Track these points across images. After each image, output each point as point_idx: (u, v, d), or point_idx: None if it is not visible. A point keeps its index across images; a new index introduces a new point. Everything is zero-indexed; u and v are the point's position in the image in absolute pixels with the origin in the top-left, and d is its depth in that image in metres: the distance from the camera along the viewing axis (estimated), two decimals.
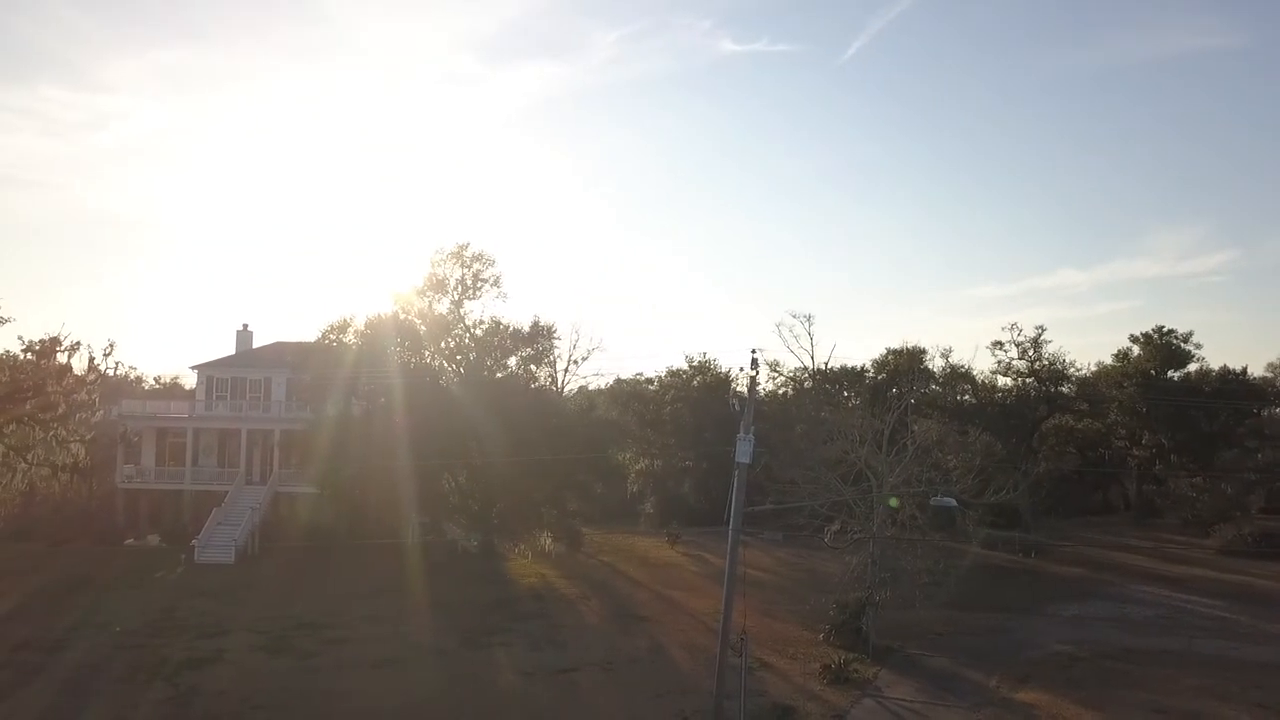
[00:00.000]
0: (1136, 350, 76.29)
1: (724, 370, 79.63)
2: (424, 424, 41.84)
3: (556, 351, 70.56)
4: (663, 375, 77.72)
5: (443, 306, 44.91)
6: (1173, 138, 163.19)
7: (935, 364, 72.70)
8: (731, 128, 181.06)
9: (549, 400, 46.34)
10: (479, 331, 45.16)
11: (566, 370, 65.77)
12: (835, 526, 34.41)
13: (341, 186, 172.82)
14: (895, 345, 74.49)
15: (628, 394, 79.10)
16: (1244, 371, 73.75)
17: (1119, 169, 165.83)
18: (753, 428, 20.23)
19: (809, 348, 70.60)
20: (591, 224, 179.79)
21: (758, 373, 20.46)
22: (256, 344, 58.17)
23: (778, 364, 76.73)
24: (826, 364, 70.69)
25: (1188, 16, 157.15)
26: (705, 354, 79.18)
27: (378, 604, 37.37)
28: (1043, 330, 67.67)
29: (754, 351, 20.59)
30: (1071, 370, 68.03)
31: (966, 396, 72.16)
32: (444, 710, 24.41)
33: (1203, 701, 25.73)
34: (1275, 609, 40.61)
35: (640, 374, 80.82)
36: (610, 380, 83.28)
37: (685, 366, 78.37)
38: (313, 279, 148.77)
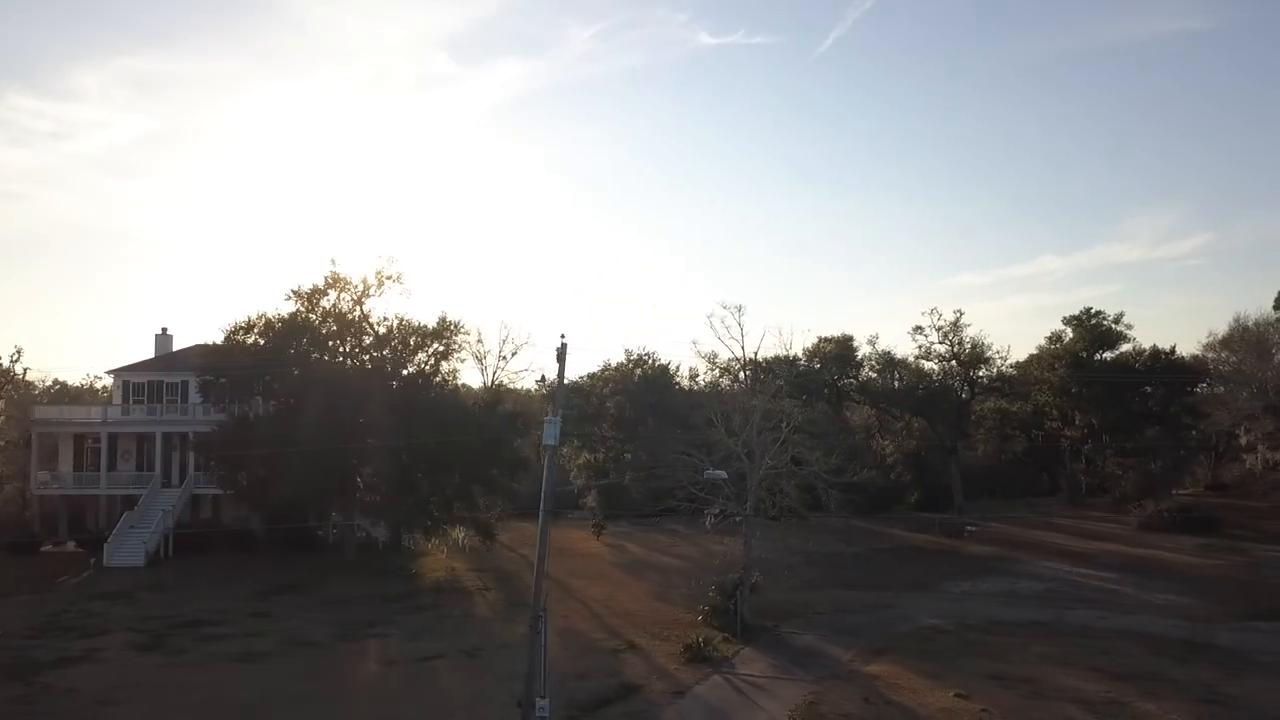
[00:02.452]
0: (1070, 333, 77.28)
1: (666, 363, 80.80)
2: (327, 421, 42.04)
3: (485, 348, 71.63)
4: (599, 370, 78.32)
5: (345, 303, 45.13)
6: (1146, 122, 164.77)
7: (864, 351, 73.42)
8: (709, 121, 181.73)
9: (447, 395, 46.47)
10: (381, 329, 45.43)
11: (497, 367, 66.17)
12: (715, 510, 34.84)
13: (316, 190, 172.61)
14: (829, 334, 75.26)
15: (570, 389, 79.54)
16: (1173, 350, 74.74)
17: (1095, 154, 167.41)
18: (561, 411, 20.56)
19: (739, 338, 70.90)
20: (568, 221, 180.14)
21: (564, 360, 20.75)
22: (184, 347, 58.17)
23: (714, 355, 77.14)
24: (756, 354, 71.14)
25: (1159, 0, 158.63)
26: (643, 347, 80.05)
27: (274, 601, 37.61)
28: (961, 314, 68.45)
29: (562, 336, 20.88)
30: (993, 354, 68.65)
31: (899, 381, 72.95)
32: (290, 698, 24.69)
33: (1042, 668, 26.34)
34: (1164, 580, 41.46)
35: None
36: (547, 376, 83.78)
37: (625, 360, 79.45)
38: (286, 284, 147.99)
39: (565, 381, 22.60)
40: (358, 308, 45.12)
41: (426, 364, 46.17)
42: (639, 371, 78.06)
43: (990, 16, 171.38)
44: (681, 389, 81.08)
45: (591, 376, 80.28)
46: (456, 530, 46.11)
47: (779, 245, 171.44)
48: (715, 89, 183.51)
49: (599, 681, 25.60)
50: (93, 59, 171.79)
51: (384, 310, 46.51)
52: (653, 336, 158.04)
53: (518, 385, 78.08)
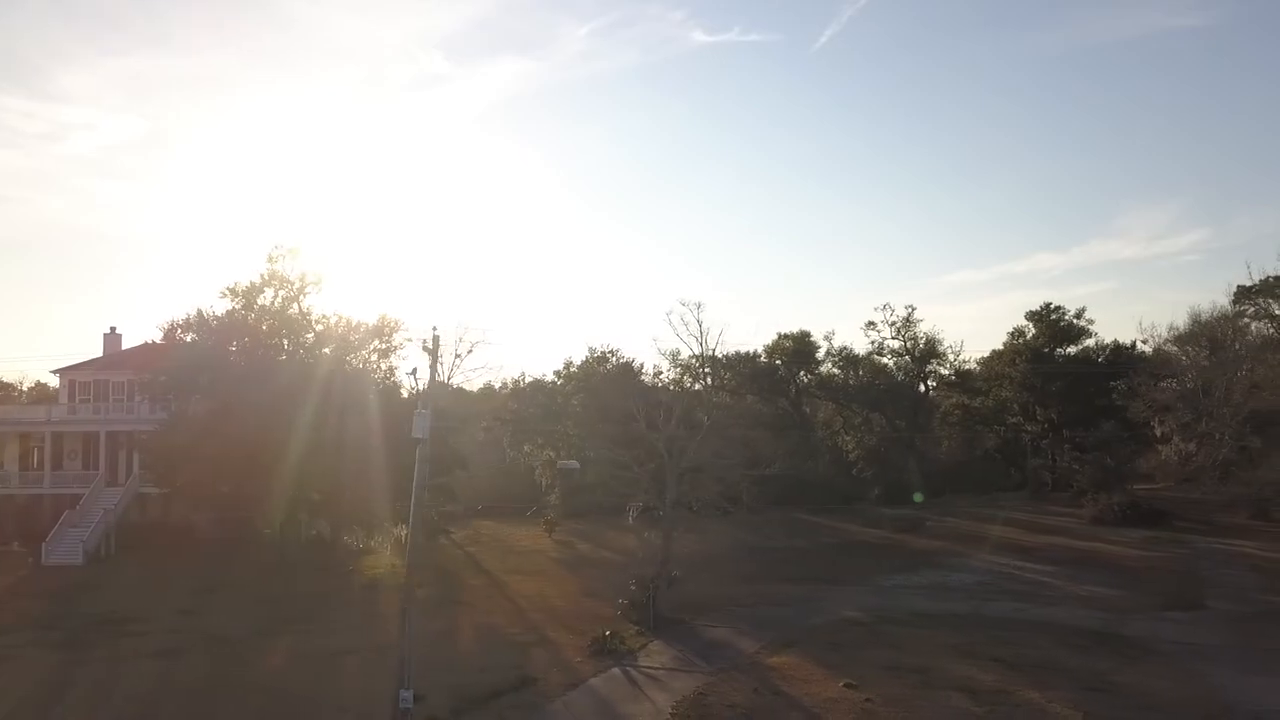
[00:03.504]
0: (1032, 328, 77.50)
1: (629, 359, 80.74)
2: (263, 418, 42.02)
3: (435, 346, 71.45)
4: (561, 368, 78.26)
5: (280, 301, 45.08)
6: (1141, 118, 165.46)
7: (824, 347, 73.59)
8: (704, 119, 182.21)
9: (385, 391, 46.45)
10: (320, 327, 45.43)
11: (453, 365, 66.18)
12: (639, 504, 34.91)
13: (312, 190, 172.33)
14: (788, 330, 75.40)
15: (532, 387, 79.69)
16: (1133, 345, 75.00)
17: (1090, 151, 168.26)
18: (430, 404, 20.59)
19: (699, 335, 71.06)
20: (561, 218, 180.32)
21: (436, 354, 20.81)
22: (131, 346, 58.10)
23: (677, 353, 77.28)
24: (714, 350, 71.26)
25: (1141, 3, 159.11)
26: (608, 344, 80.00)
27: (202, 599, 37.51)
28: (913, 309, 68.61)
29: (434, 328, 20.94)
30: (946, 349, 68.82)
31: (857, 377, 73.09)
32: (190, 693, 24.67)
33: (942, 659, 26.42)
34: (1098, 572, 41.64)
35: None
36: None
37: (589, 357, 79.37)
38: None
39: (533, 379, 22.59)
40: (294, 304, 45.08)
41: (366, 361, 46.15)
42: (602, 369, 78.04)
43: (984, 14, 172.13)
44: (647, 386, 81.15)
45: (558, 373, 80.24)
46: (399, 527, 46.03)
47: (775, 243, 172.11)
48: (710, 87, 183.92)
49: (498, 675, 25.61)
50: (83, 59, 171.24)
51: (326, 307, 46.50)
52: (637, 334, 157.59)
53: (469, 384, 77.63)
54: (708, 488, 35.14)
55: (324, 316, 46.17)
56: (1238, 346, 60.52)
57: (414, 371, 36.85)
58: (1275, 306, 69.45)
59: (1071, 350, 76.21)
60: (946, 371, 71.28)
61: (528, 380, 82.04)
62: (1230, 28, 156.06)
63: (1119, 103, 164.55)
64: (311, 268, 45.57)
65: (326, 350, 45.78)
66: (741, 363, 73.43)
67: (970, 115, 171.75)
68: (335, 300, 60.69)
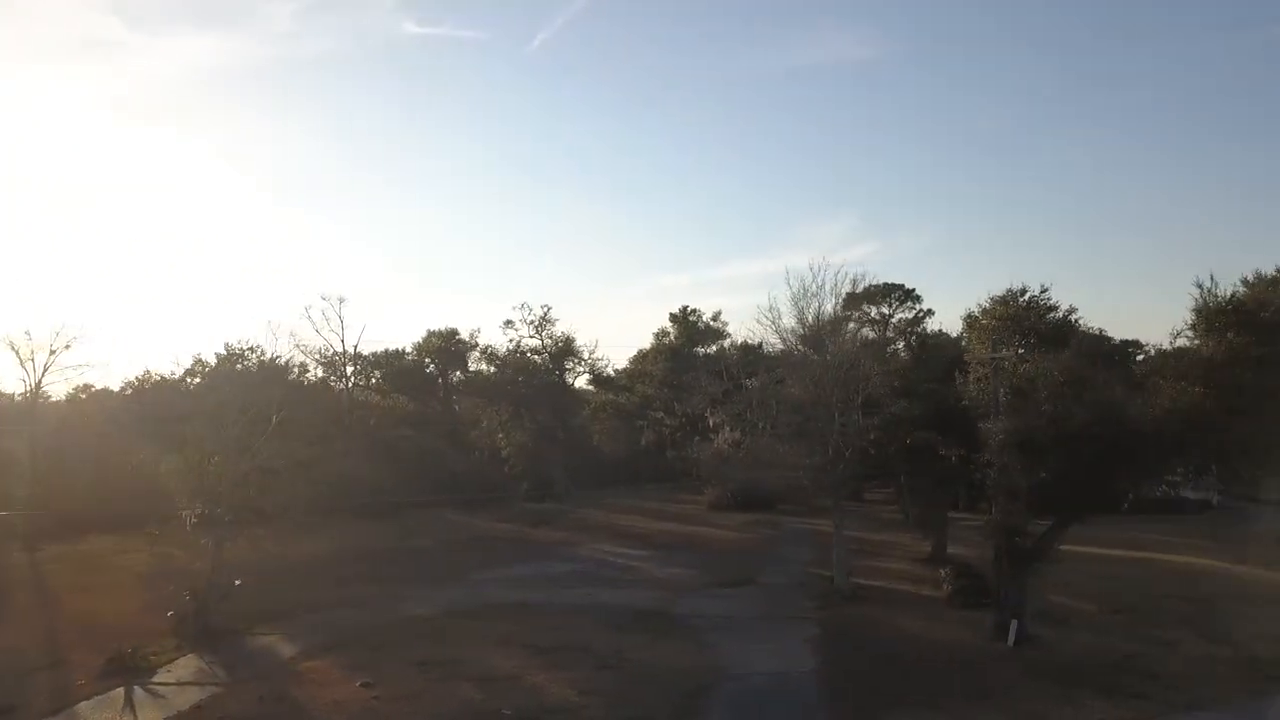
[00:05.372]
0: (673, 330, 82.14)
1: (274, 357, 76.10)
2: None
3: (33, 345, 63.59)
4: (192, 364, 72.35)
5: None
6: (821, 140, 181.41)
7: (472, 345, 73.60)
8: (412, 111, 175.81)
9: None
10: None
11: (48, 363, 59.06)
12: (198, 508, 32.50)
13: None
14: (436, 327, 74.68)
15: (156, 386, 72.87)
16: (760, 345, 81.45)
17: (775, 168, 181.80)
18: None
19: (339, 331, 68.26)
20: (247, 209, 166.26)
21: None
22: None
23: (325, 350, 73.84)
24: (355, 346, 68.89)
25: (825, 30, 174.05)
26: (241, 340, 75.00)
27: None
28: (549, 308, 70.39)
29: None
30: (582, 347, 71.28)
31: (500, 373, 73.80)
32: None
33: (478, 649, 26.68)
34: (687, 555, 44.60)
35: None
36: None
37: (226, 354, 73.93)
38: None
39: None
40: None
41: None
42: (239, 366, 73.02)
43: (685, 33, 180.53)
44: (299, 385, 77.06)
45: (188, 371, 74.00)
46: None
47: (492, 241, 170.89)
48: (422, 80, 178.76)
49: None
50: None
51: None
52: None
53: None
54: (285, 490, 33.27)
55: None
56: (846, 344, 67.26)
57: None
58: (873, 311, 79.11)
59: (710, 350, 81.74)
60: (588, 369, 73.53)
61: (153, 379, 74.82)
62: (896, 61, 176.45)
63: (802, 124, 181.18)
64: None
65: None
66: (389, 360, 71.57)
67: (667, 129, 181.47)
68: None
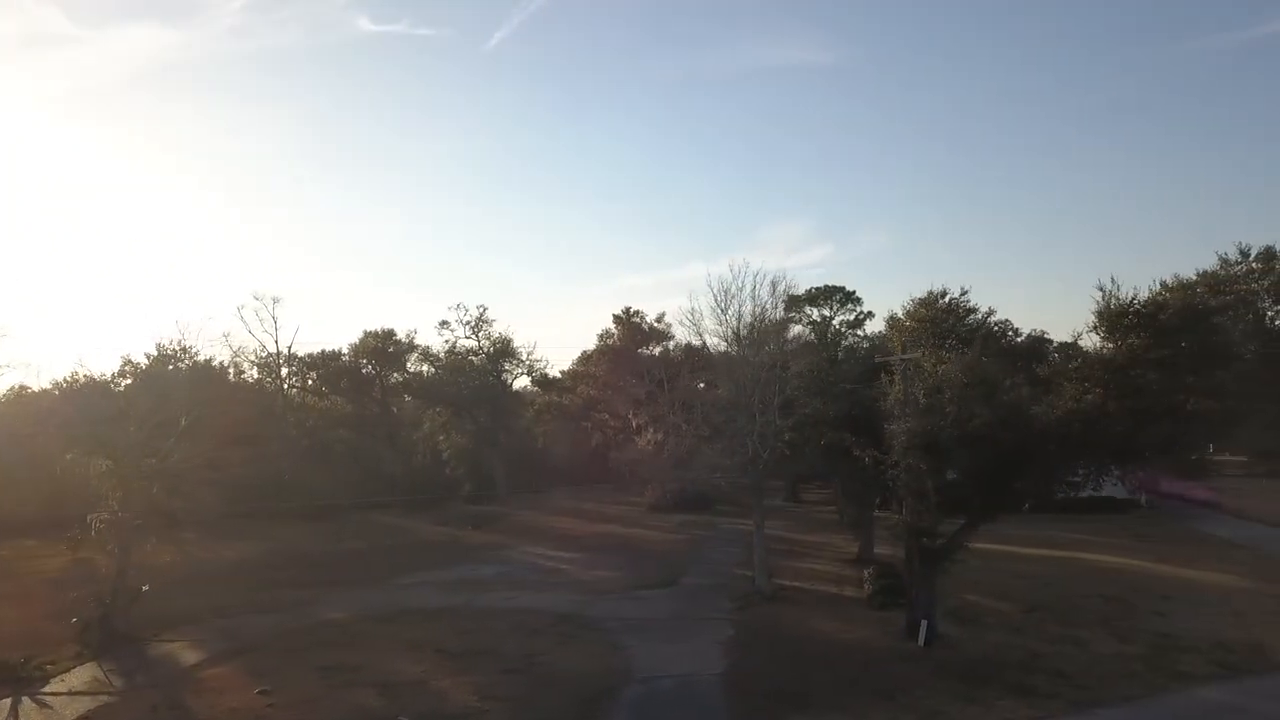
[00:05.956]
0: (616, 331, 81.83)
1: (209, 358, 74.71)
2: None
3: None
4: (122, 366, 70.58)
5: None
6: (776, 144, 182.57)
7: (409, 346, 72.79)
8: (366, 109, 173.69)
9: None
10: None
11: None
12: (98, 515, 31.67)
13: None
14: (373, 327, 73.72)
15: (85, 388, 71.09)
16: (704, 345, 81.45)
17: (733, 173, 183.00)
18: None
19: (273, 331, 67.13)
20: (187, 207, 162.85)
21: None
22: None
23: (241, 348, 72.50)
24: (290, 347, 67.77)
25: (785, 34, 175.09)
26: (181, 342, 73.42)
27: None
28: (485, 309, 69.93)
29: None
30: (520, 348, 70.84)
31: (437, 374, 73.06)
32: None
33: (387, 654, 26.34)
34: (615, 557, 44.26)
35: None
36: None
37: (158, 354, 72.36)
38: None
39: None
40: None
41: None
42: (170, 367, 71.42)
43: (642, 36, 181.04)
44: (231, 386, 75.62)
45: (118, 372, 72.25)
46: None
47: (448, 242, 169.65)
48: (377, 78, 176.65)
49: None
50: None
51: None
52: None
53: None
54: (194, 493, 32.61)
55: None
56: (769, 346, 67.63)
57: None
58: (814, 313, 79.79)
59: (655, 350, 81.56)
60: (520, 371, 73.07)
61: (82, 380, 72.99)
62: (854, 66, 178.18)
63: (765, 129, 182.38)
64: None
65: None
66: (325, 361, 70.51)
67: (624, 132, 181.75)
68: None
